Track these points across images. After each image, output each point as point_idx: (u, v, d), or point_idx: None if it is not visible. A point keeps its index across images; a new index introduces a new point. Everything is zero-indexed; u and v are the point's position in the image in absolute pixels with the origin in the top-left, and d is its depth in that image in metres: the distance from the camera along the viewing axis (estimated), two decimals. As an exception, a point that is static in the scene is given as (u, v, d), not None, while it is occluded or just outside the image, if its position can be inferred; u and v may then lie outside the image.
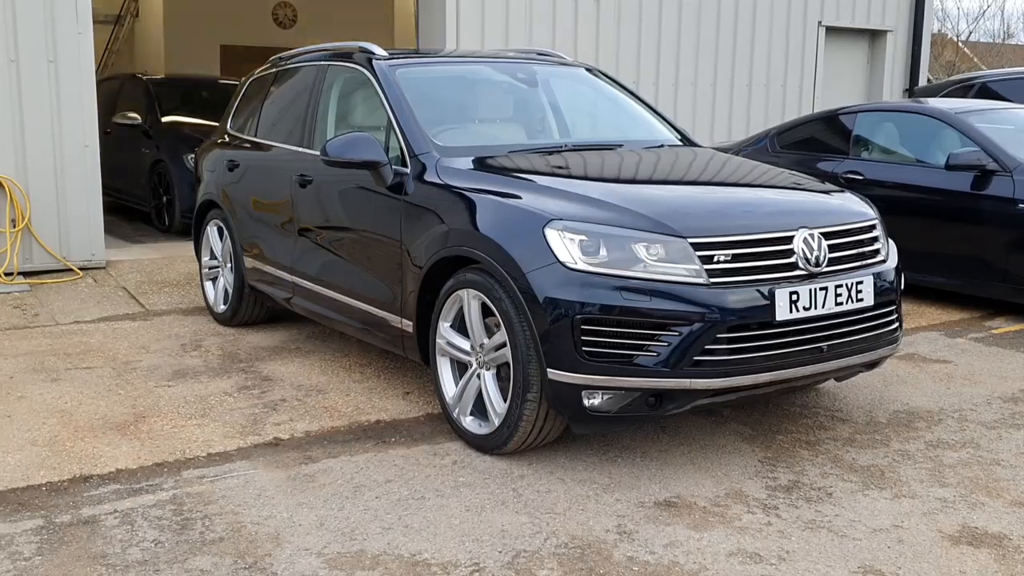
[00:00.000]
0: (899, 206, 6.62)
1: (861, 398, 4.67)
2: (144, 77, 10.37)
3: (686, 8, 10.74)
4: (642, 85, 10.26)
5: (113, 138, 9.61)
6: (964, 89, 9.47)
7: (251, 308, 5.95)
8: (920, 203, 6.63)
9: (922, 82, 12.48)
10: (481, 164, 4.21)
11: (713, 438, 4.11)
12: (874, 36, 12.45)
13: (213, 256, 6.25)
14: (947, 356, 5.45)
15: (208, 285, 6.31)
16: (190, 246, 8.63)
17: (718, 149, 5.85)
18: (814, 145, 7.67)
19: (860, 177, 6.92)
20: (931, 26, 13.01)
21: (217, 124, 9.50)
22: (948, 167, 6.41)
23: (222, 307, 6.10)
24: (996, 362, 5.33)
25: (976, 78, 9.75)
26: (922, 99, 8.66)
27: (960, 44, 30.93)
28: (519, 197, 3.82)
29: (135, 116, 9.58)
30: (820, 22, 11.79)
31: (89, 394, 4.67)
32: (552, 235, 3.56)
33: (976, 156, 6.31)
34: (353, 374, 5.04)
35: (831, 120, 7.77)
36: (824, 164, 7.29)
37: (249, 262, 5.74)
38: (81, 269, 7.45)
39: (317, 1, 15.88)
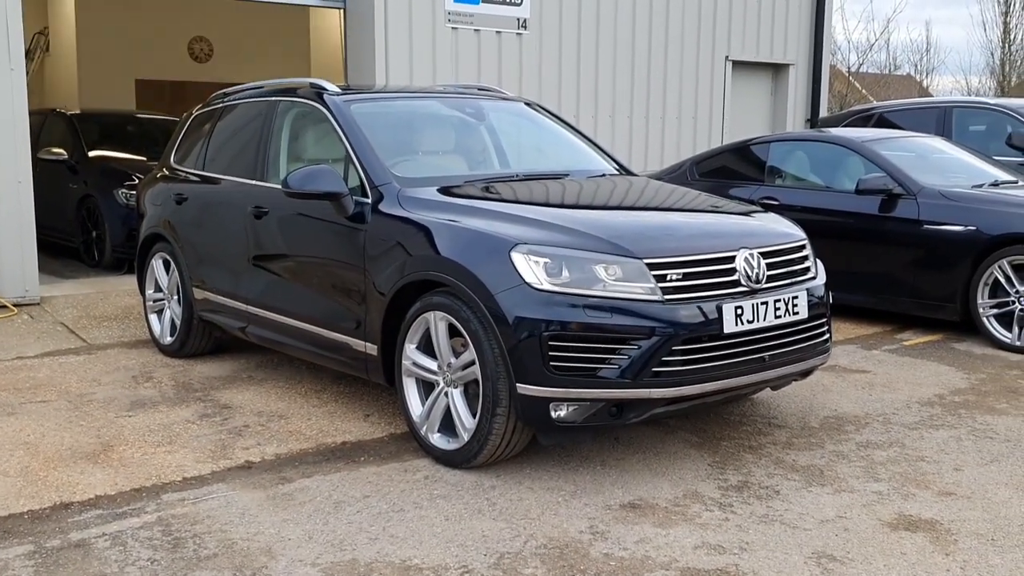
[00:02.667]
0: (812, 229, 6.98)
1: (793, 406, 5.03)
2: (67, 112, 10.30)
3: (602, 45, 11.19)
4: (564, 117, 10.64)
5: (38, 174, 9.47)
6: (863, 119, 10.11)
7: (199, 339, 6.03)
8: (832, 226, 7.10)
9: (823, 113, 13.21)
10: (442, 193, 4.44)
11: (664, 446, 4.39)
12: (777, 69, 13.14)
13: (159, 289, 6.31)
14: (866, 367, 5.87)
15: (153, 318, 6.35)
16: (123, 280, 8.68)
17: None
18: (730, 173, 8.12)
19: (775, 203, 7.36)
20: (829, 62, 13.79)
21: (143, 158, 9.59)
22: (858, 191, 6.90)
23: (169, 339, 6.15)
24: (910, 371, 5.78)
25: (874, 109, 10.42)
26: (828, 129, 9.25)
27: (849, 77, 32.47)
28: (483, 223, 4.07)
29: (60, 151, 9.50)
30: (727, 57, 12.40)
31: (50, 426, 4.70)
32: (518, 258, 3.81)
33: (883, 181, 6.81)
34: (311, 399, 5.18)
35: (746, 150, 8.25)
36: (740, 191, 7.72)
37: (199, 293, 5.83)
38: (15, 306, 7.38)
39: (233, 35, 15.90)
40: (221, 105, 6.11)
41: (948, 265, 6.50)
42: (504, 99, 5.80)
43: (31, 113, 10.90)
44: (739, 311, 3.90)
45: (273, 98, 5.53)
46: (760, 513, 3.65)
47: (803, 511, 3.67)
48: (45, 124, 10.16)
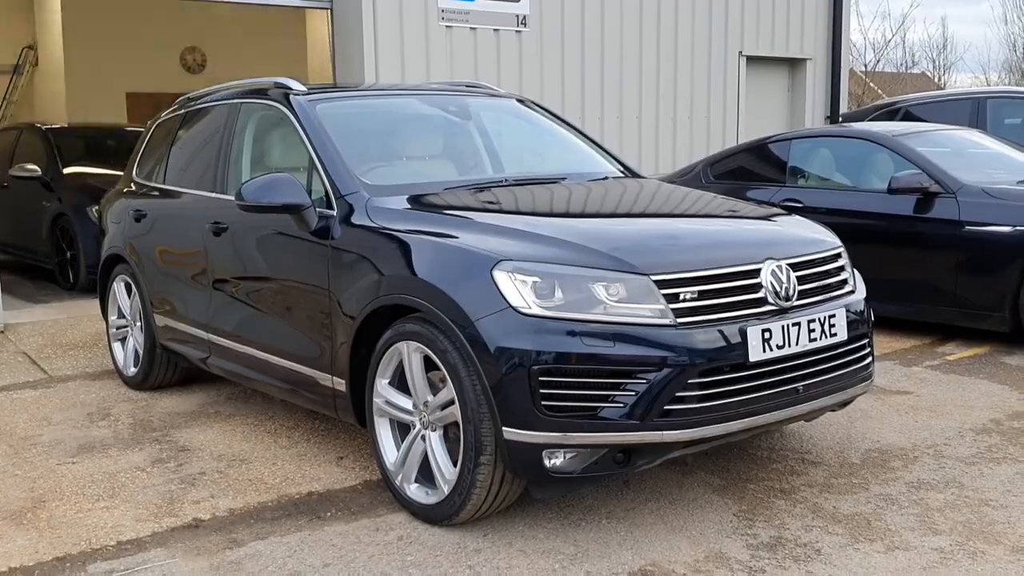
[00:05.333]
0: (841, 232, 6.40)
1: (829, 437, 4.39)
2: (43, 126, 9.76)
3: (608, 42, 10.59)
4: (567, 119, 10.04)
5: (10, 192, 8.98)
6: (890, 114, 9.46)
7: (164, 370, 5.45)
8: (863, 229, 6.45)
9: (843, 109, 12.55)
10: (417, 203, 3.84)
11: (682, 491, 3.77)
12: (794, 65, 12.50)
13: (121, 315, 5.74)
14: (907, 387, 5.23)
15: (116, 346, 5.78)
16: (97, 304, 8.09)
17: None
18: (747, 175, 7.50)
19: (799, 205, 6.72)
20: (849, 54, 13.16)
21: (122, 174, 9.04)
22: (890, 191, 6.26)
23: (132, 370, 5.57)
24: (958, 391, 5.12)
25: (900, 102, 9.75)
26: (844, 124, 8.60)
27: (863, 76, 31.76)
28: (461, 237, 3.46)
29: (34, 168, 8.95)
30: (741, 52, 11.78)
31: (-21, 478, 4.13)
32: (502, 277, 3.20)
33: (918, 179, 6.17)
34: (280, 439, 4.58)
35: (764, 148, 7.61)
36: (759, 193, 7.09)
37: (160, 320, 5.25)
38: (-25, 334, 6.84)
39: (227, 44, 15.39)
40: (184, 111, 5.53)
41: (994, 269, 5.84)
42: (494, 96, 5.19)
43: (7, 128, 10.44)
44: (767, 335, 3.27)
45: (237, 100, 4.95)
46: (799, 581, 3.02)
47: (851, 577, 3.04)
48: (20, 139, 9.63)
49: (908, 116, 9.27)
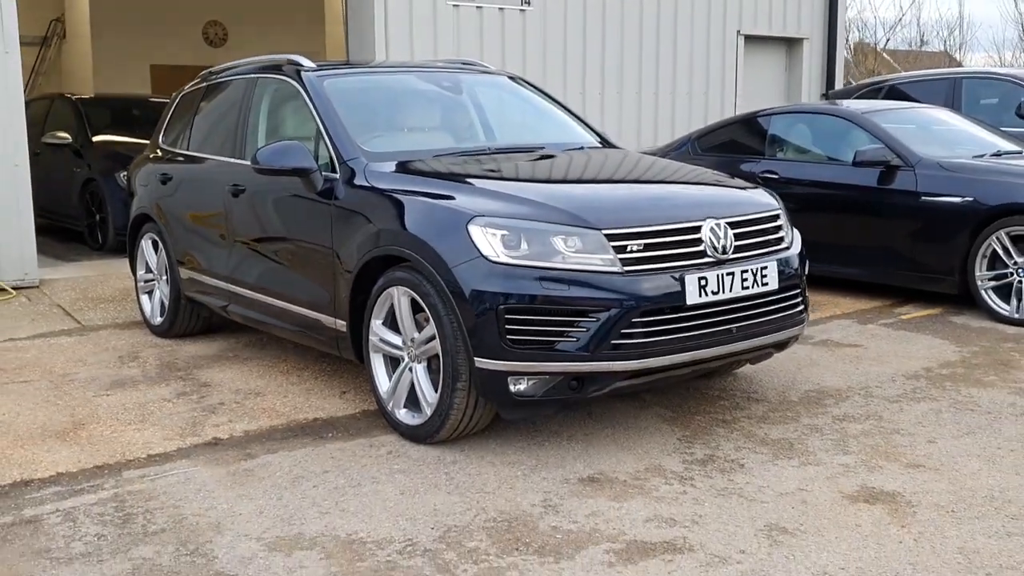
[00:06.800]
0: (813, 202, 6.98)
1: (776, 380, 4.94)
2: (72, 97, 10.37)
3: (609, 20, 11.06)
4: (570, 95, 10.54)
5: (43, 159, 9.60)
6: (875, 91, 9.92)
7: (188, 319, 6.04)
8: (832, 199, 6.97)
9: (839, 87, 12.98)
10: (407, 167, 4.40)
11: (636, 420, 4.33)
12: (791, 44, 12.92)
13: (148, 269, 6.33)
14: (858, 341, 5.76)
15: (144, 298, 6.38)
16: (125, 263, 8.67)
17: (643, 153, 6.14)
18: (733, 147, 8.00)
19: (776, 176, 7.24)
20: (844, 34, 13.55)
21: (149, 141, 9.63)
22: (855, 164, 6.76)
23: (159, 319, 6.18)
24: (903, 344, 5.66)
25: (885, 80, 10.21)
26: (833, 101, 9.08)
27: (882, 52, 31.92)
28: (444, 197, 4.02)
29: (65, 135, 9.58)
30: (739, 31, 12.22)
31: (27, 405, 4.73)
32: (475, 231, 3.76)
33: (881, 153, 6.67)
34: (291, 377, 5.17)
35: (748, 123, 8.12)
36: (742, 165, 7.60)
37: (184, 273, 5.85)
38: (14, 288, 7.46)
39: (247, 19, 15.94)
40: (206, 84, 6.10)
41: (946, 237, 6.35)
42: (485, 72, 5.73)
43: (38, 98, 11.05)
44: (703, 282, 3.82)
45: (254, 75, 5.51)
46: (720, 486, 3.58)
47: (764, 484, 3.60)
48: (51, 108, 10.24)
49: (892, 93, 9.73)
